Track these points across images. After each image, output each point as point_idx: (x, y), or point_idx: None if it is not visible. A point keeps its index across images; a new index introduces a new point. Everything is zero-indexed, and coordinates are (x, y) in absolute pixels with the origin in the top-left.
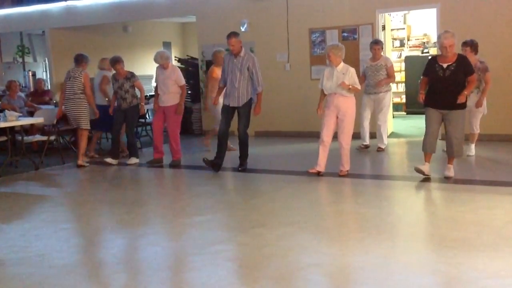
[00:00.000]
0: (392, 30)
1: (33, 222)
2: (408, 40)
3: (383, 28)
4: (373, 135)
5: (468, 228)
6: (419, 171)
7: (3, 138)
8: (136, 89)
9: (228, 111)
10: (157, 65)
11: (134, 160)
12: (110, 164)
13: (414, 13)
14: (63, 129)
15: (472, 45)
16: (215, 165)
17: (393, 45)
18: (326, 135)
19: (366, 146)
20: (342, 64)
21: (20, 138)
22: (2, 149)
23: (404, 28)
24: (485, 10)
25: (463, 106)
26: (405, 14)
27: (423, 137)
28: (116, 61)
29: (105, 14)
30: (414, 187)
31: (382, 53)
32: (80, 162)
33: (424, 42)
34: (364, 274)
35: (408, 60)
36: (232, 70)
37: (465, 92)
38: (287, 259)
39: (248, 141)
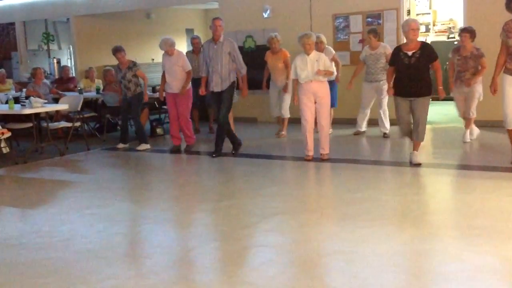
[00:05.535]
0: (417, 15)
1: (58, 207)
2: (434, 25)
3: (408, 13)
4: (370, 122)
5: (494, 216)
6: (415, 162)
7: (29, 125)
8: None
9: (215, 97)
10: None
11: (144, 146)
12: (119, 149)
13: None
14: (87, 115)
15: (471, 31)
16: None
17: None
18: (309, 121)
19: (360, 133)
20: (313, 52)
21: (45, 124)
22: (28, 136)
23: (429, 13)
24: None
25: (428, 93)
26: None
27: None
28: (116, 50)
29: (129, 1)
30: (437, 174)
31: (379, 41)
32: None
33: (450, 27)
34: (387, 261)
35: (434, 45)
36: (213, 56)
37: (440, 87)
38: (309, 246)
39: (227, 125)
